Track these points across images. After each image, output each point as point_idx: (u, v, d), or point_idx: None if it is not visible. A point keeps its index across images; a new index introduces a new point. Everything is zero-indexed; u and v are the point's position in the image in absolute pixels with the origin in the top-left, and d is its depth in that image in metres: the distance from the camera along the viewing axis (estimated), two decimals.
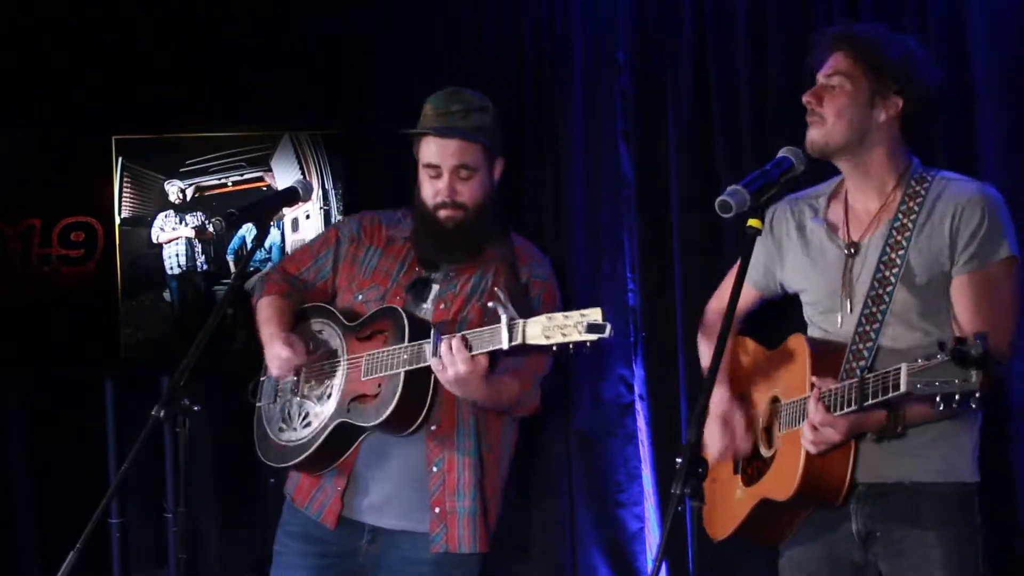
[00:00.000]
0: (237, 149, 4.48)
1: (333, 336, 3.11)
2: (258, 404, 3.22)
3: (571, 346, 2.64)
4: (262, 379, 3.22)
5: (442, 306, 3.03)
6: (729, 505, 2.90)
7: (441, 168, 2.98)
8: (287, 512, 3.17)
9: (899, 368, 2.34)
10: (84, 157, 4.50)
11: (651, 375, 4.05)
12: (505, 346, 2.70)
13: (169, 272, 4.49)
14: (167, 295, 4.50)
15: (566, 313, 2.63)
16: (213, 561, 4.75)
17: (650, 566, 4.04)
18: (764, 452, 2.84)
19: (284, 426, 3.13)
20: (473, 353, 2.74)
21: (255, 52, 4.62)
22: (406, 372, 2.88)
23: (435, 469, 3.01)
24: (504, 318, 2.69)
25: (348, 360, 3.04)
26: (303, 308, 3.18)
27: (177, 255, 4.49)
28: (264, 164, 4.48)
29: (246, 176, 4.48)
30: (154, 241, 4.48)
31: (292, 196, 3.10)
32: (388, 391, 2.91)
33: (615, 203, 4.10)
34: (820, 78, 2.75)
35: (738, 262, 3.02)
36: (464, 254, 3.04)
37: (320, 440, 3.01)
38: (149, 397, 3.28)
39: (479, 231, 3.03)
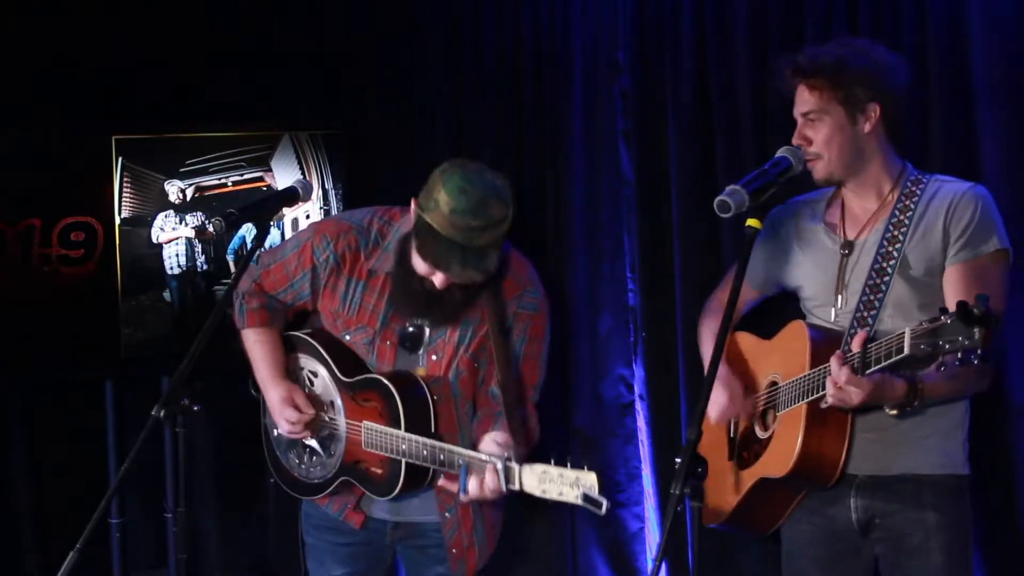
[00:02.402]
0: (237, 149, 4.47)
1: (328, 385, 3.10)
2: (264, 420, 3.25)
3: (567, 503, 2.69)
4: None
5: (433, 357, 3.01)
6: (724, 491, 2.96)
7: (439, 274, 2.88)
8: (308, 505, 3.23)
9: (903, 332, 2.44)
10: (84, 157, 4.49)
11: (651, 375, 4.05)
12: (503, 490, 2.75)
13: (169, 272, 4.48)
14: (167, 295, 4.49)
15: (562, 471, 2.66)
16: (213, 561, 4.75)
17: (650, 566, 4.04)
18: (760, 434, 2.91)
19: (294, 457, 3.19)
20: (506, 488, 2.75)
21: (255, 52, 4.62)
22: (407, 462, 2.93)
23: (448, 515, 3.08)
24: (500, 466, 2.72)
25: (348, 423, 3.06)
26: (292, 340, 3.17)
27: (177, 255, 4.48)
28: (264, 164, 4.47)
29: (246, 176, 4.47)
30: (154, 241, 4.47)
31: (292, 196, 3.11)
32: (392, 473, 2.98)
33: (615, 203, 4.10)
34: (798, 117, 2.84)
35: (735, 266, 3.08)
36: (441, 321, 3.00)
37: (331, 488, 3.11)
38: (149, 397, 3.29)
39: (463, 301, 2.95)
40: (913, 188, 2.82)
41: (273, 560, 4.58)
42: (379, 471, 3.00)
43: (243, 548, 4.74)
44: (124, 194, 4.44)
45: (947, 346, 2.34)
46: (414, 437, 2.89)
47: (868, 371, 2.54)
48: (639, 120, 4.03)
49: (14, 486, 4.70)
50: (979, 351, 2.30)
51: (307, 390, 3.13)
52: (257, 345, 3.15)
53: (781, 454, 2.78)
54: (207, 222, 4.43)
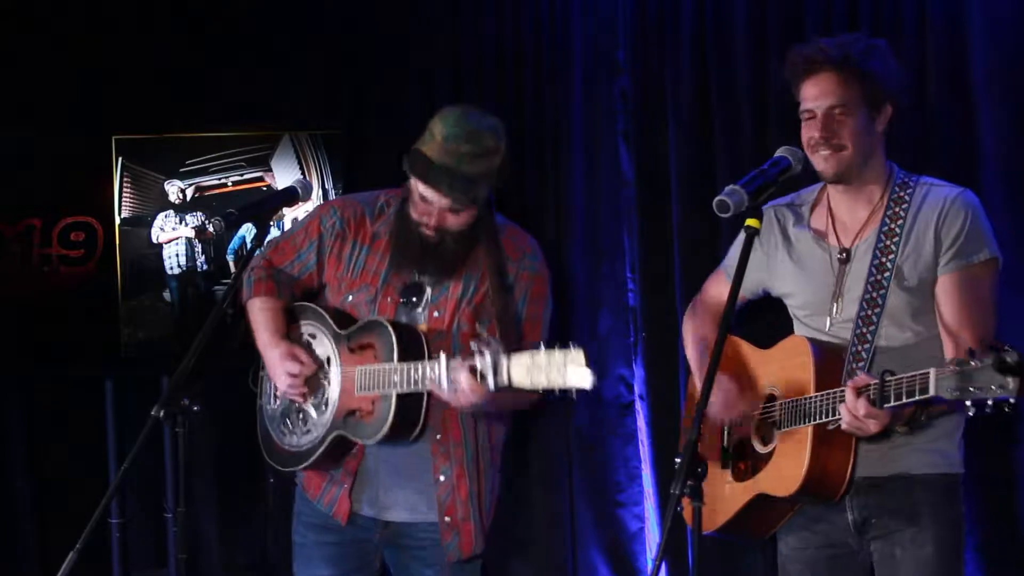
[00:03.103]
0: (237, 149, 4.48)
1: (325, 343, 3.11)
2: (259, 402, 3.24)
3: (556, 391, 2.66)
4: (262, 374, 3.24)
5: (435, 314, 3.03)
6: (717, 499, 2.92)
7: (433, 205, 2.95)
8: (301, 502, 3.23)
9: (927, 373, 2.40)
10: (84, 157, 4.50)
11: (651, 375, 4.04)
12: (492, 388, 2.71)
13: (169, 272, 4.49)
14: (167, 295, 4.50)
15: (550, 354, 2.64)
16: (213, 561, 4.75)
17: (650, 566, 4.04)
18: (759, 448, 2.86)
19: (286, 430, 3.17)
20: (494, 384, 2.72)
21: (255, 52, 4.62)
22: (398, 394, 2.91)
23: (442, 478, 3.05)
24: (489, 360, 2.70)
25: (342, 372, 3.05)
26: (293, 307, 3.18)
27: (177, 255, 4.49)
28: (264, 164, 4.48)
29: (246, 176, 4.48)
30: (154, 241, 4.48)
31: (292, 196, 3.11)
32: (382, 411, 2.94)
33: (615, 203, 4.09)
34: (816, 108, 2.75)
35: (723, 261, 3.05)
36: (437, 272, 3.03)
37: (321, 450, 3.06)
38: (149, 397, 3.29)
39: (458, 253, 3.01)
40: (901, 193, 2.78)
41: (272, 560, 4.58)
42: (370, 413, 2.97)
43: (243, 548, 4.74)
44: (124, 194, 4.45)
45: (977, 391, 2.29)
46: (407, 364, 2.88)
47: (887, 405, 2.50)
48: (639, 120, 4.03)
49: (14, 486, 4.71)
50: (1013, 400, 2.26)
51: (306, 350, 3.13)
52: (261, 312, 3.16)
53: (785, 474, 2.74)
54: (207, 222, 4.43)
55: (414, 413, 2.94)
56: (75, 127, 4.52)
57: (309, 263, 3.17)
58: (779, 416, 2.79)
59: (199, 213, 4.46)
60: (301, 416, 3.13)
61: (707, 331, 3.07)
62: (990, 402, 2.28)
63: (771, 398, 2.85)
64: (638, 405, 4.10)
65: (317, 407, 3.10)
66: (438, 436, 3.02)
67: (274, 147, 4.47)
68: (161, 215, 4.47)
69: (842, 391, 2.59)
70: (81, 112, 4.53)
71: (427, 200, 2.94)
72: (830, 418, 2.63)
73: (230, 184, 4.47)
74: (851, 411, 2.55)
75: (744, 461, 2.90)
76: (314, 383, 3.10)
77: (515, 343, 2.93)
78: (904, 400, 2.47)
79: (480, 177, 2.90)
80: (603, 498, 4.13)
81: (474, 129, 2.90)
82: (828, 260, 2.83)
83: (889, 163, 2.83)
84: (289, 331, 3.15)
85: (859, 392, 2.54)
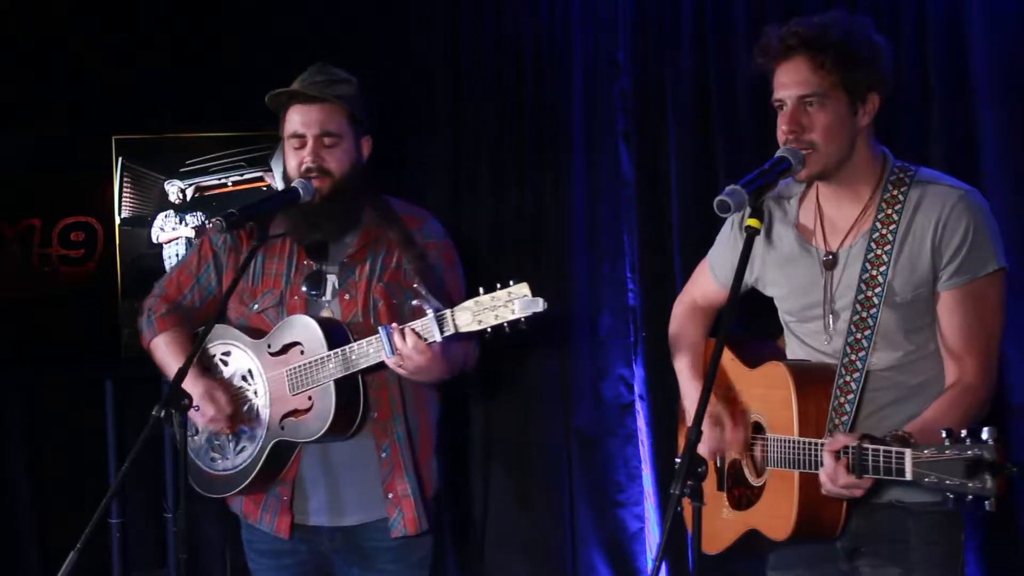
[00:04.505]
0: (237, 149, 4.47)
1: (242, 356, 3.10)
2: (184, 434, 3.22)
3: (506, 326, 2.66)
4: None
5: (347, 296, 3.05)
6: (716, 523, 2.87)
7: (306, 136, 3.02)
8: (246, 530, 3.24)
9: (903, 454, 2.28)
10: (84, 157, 4.49)
11: (651, 375, 4.04)
12: (438, 338, 2.75)
13: None
14: None
15: (493, 294, 2.66)
16: (213, 561, 4.75)
17: (650, 566, 4.04)
18: (752, 480, 2.78)
19: (216, 456, 3.16)
20: (428, 342, 2.77)
21: (256, 52, 4.61)
22: (336, 381, 2.92)
23: (384, 455, 3.08)
24: (430, 312, 2.71)
25: (268, 379, 3.04)
26: (198, 333, 3.12)
27: (177, 255, 4.48)
28: (264, 164, 4.47)
29: (246, 176, 4.47)
30: (154, 241, 4.47)
31: (292, 196, 3.10)
32: (322, 403, 2.96)
33: (615, 203, 4.09)
34: (787, 98, 2.59)
35: (704, 259, 3.03)
36: (335, 228, 3.07)
37: (261, 463, 3.06)
38: (149, 397, 3.29)
39: (347, 202, 3.05)
40: (895, 192, 2.58)
41: None
42: (309, 410, 2.98)
43: (243, 548, 4.73)
44: (124, 194, 4.45)
45: (954, 487, 2.16)
46: (340, 349, 2.91)
47: (866, 476, 2.38)
48: (639, 120, 4.03)
49: (14, 486, 4.70)
50: (992, 500, 2.14)
51: (220, 375, 3.13)
52: (169, 347, 3.15)
53: (776, 516, 2.64)
54: (207, 222, 4.43)
55: (353, 398, 2.96)
56: (75, 127, 4.52)
57: (210, 286, 3.18)
58: (768, 452, 2.70)
59: (199, 213, 4.46)
60: (231, 438, 3.12)
61: (697, 338, 2.99)
62: (970, 498, 2.15)
63: (758, 426, 2.77)
64: (638, 405, 4.10)
65: (248, 422, 3.09)
66: (374, 415, 3.04)
67: (274, 147, 4.46)
68: (161, 215, 4.46)
69: (824, 444, 2.46)
70: (81, 112, 4.53)
71: (298, 134, 3.03)
72: (814, 471, 2.50)
73: (230, 184, 4.47)
74: (831, 478, 2.43)
75: (739, 488, 2.83)
76: (240, 401, 3.10)
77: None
78: (881, 476, 2.34)
79: (337, 98, 3.03)
80: (603, 498, 4.13)
81: (324, 66, 3.13)
82: (815, 265, 2.70)
83: (882, 152, 2.68)
84: (200, 359, 3.12)
85: (837, 456, 2.40)
